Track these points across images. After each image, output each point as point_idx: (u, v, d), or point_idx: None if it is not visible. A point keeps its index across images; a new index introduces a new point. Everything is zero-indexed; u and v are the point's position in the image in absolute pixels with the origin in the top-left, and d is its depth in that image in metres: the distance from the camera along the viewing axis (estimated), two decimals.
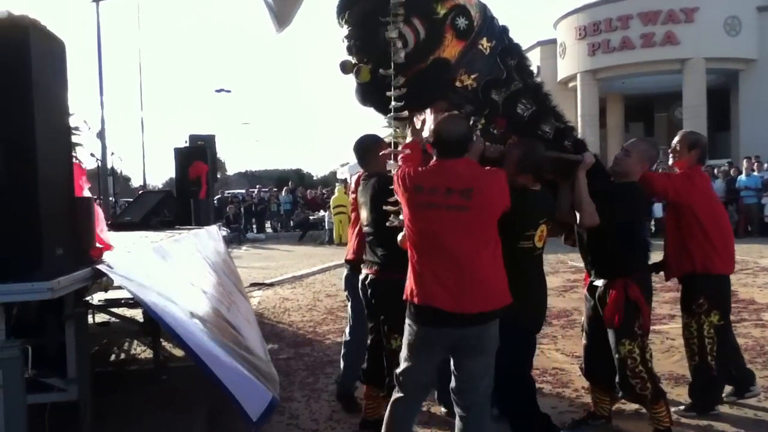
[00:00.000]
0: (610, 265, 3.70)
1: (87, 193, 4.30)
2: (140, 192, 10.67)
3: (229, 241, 18.19)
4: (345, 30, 3.52)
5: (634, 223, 3.78)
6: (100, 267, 3.38)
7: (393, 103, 3.41)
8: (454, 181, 3.00)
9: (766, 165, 17.17)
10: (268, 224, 25.04)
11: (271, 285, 10.68)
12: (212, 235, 7.10)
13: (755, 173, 16.28)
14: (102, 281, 4.35)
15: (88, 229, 3.53)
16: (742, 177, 16.21)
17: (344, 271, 4.72)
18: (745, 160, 17.15)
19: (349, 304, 4.64)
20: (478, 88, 3.56)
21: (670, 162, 4.34)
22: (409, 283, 3.09)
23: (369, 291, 3.84)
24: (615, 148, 31.16)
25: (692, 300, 4.12)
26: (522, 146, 3.47)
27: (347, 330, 4.69)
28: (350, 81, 3.60)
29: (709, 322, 4.05)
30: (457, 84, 3.53)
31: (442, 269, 3.00)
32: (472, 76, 3.53)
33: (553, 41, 32.65)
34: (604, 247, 3.69)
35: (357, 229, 4.29)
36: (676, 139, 4.32)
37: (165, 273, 4.37)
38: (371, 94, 3.55)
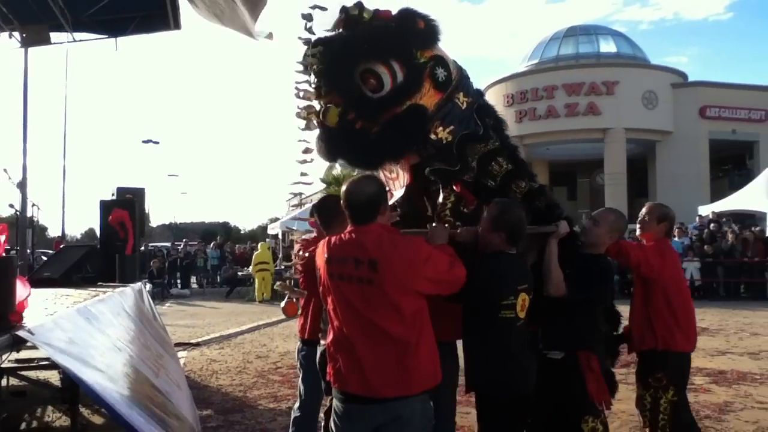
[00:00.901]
0: (571, 337, 3.54)
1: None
2: (61, 245, 10.17)
3: (153, 297, 17.60)
4: (313, 70, 3.31)
5: (598, 296, 3.64)
6: (20, 333, 3.12)
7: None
8: (362, 251, 2.76)
9: (689, 231, 17.89)
10: (193, 279, 24.32)
11: (198, 345, 10.24)
12: (138, 294, 6.77)
13: (676, 239, 16.96)
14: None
15: (8, 291, 3.26)
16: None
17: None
18: None
19: (301, 376, 4.33)
20: (453, 142, 3.37)
21: (638, 233, 4.29)
22: (329, 363, 2.91)
23: None
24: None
25: (650, 373, 4.03)
26: (500, 204, 3.28)
27: (297, 405, 4.34)
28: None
29: (666, 398, 3.96)
30: (432, 136, 3.33)
31: (353, 348, 2.78)
32: (448, 129, 3.34)
33: None
34: (568, 317, 3.52)
35: (312, 304, 3.96)
36: (645, 210, 4.24)
37: (89, 337, 4.09)
38: (339, 141, 3.30)
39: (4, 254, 3.78)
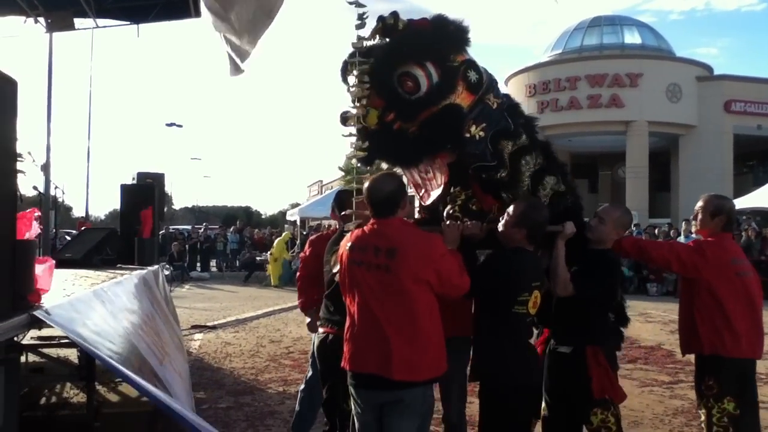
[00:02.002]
0: (580, 332, 3.60)
1: (35, 232, 4.16)
2: (82, 227, 10.40)
3: (172, 280, 17.93)
4: (356, 78, 3.47)
5: (606, 292, 3.68)
6: (37, 313, 3.28)
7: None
8: (383, 240, 2.99)
9: None
10: (213, 263, 24.64)
11: (213, 328, 10.45)
12: (154, 277, 6.95)
13: (693, 235, 16.83)
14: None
15: (27, 273, 3.42)
16: (681, 238, 16.73)
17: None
18: (684, 222, 17.74)
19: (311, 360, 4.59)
20: (487, 137, 3.53)
21: (693, 229, 4.14)
22: (345, 346, 3.09)
23: (332, 349, 3.68)
24: None
25: (701, 380, 3.72)
26: (526, 202, 3.44)
27: (302, 385, 4.66)
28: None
29: (719, 408, 3.59)
30: (467, 135, 3.50)
31: (368, 331, 2.97)
32: (480, 127, 3.51)
33: None
34: (577, 313, 3.58)
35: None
36: (699, 204, 3.91)
37: (102, 320, 4.25)
38: (380, 142, 3.45)
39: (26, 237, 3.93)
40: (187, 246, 22.28)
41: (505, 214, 3.40)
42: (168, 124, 39.28)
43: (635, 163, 29.52)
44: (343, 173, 22.48)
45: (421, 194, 3.90)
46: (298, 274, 4.89)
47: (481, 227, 3.46)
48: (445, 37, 3.48)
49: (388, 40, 3.51)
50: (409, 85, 3.40)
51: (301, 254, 4.36)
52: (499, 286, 3.20)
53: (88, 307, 4.19)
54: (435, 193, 3.80)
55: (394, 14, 3.49)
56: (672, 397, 6.29)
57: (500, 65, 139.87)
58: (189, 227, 29.35)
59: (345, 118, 3.49)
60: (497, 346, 3.25)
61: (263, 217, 71.26)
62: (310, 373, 4.60)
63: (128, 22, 9.19)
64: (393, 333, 2.91)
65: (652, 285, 16.21)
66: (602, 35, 32.08)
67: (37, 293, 3.63)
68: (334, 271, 3.54)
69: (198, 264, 23.16)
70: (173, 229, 28.32)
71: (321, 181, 48.12)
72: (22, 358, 5.45)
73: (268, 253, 19.78)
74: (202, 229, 26.07)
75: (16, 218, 3.31)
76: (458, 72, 3.46)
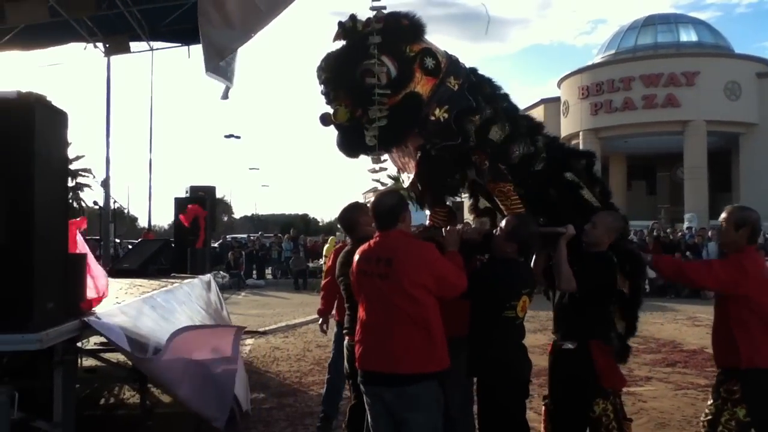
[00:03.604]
0: (583, 328, 3.83)
1: (83, 247, 4.58)
2: (140, 239, 10.99)
3: (229, 287, 18.55)
4: (321, 79, 3.79)
5: (603, 289, 3.87)
6: (88, 320, 3.67)
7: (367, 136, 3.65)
8: (383, 250, 3.29)
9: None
10: (268, 270, 25.23)
11: (264, 333, 10.87)
12: (205, 285, 7.37)
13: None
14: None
15: (79, 283, 3.81)
16: (711, 244, 16.29)
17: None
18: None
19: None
20: (451, 118, 3.77)
21: (718, 242, 4.20)
22: (356, 348, 3.42)
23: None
24: (618, 206, 31.54)
25: (723, 383, 3.66)
26: (517, 218, 3.76)
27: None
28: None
29: (732, 412, 3.56)
30: (431, 118, 3.75)
31: (376, 331, 3.27)
32: (443, 109, 3.75)
33: (557, 99, 33.34)
34: (579, 310, 3.83)
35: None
36: (723, 216, 3.82)
37: (152, 322, 4.63)
38: (353, 136, 3.74)
39: (78, 251, 4.35)
40: (243, 254, 22.91)
41: (498, 228, 3.70)
42: (227, 136, 40.50)
43: (693, 163, 28.91)
44: (393, 181, 22.76)
45: (404, 176, 4.21)
46: (323, 281, 5.20)
47: (480, 232, 3.80)
48: (398, 31, 3.73)
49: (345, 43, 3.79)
50: (370, 80, 3.67)
51: (327, 263, 4.65)
52: (490, 294, 3.49)
53: (138, 312, 4.60)
54: (412, 176, 4.05)
55: (352, 17, 3.76)
56: (705, 399, 6.25)
57: (559, 64, 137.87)
58: (246, 236, 30.16)
59: (324, 119, 3.77)
60: (490, 345, 3.54)
61: (321, 224, 72.23)
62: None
63: (180, 44, 9.72)
64: (397, 332, 3.20)
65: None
66: (656, 34, 31.59)
67: (89, 301, 4.03)
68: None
69: (254, 272, 23.77)
70: (231, 238, 29.15)
71: (376, 188, 48.54)
72: (87, 362, 5.96)
73: (322, 259, 20.14)
74: (256, 238, 26.72)
75: (68, 236, 3.70)
76: (414, 61, 3.71)
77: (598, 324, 3.88)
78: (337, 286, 4.33)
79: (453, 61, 3.92)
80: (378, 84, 3.61)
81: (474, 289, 3.44)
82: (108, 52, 9.44)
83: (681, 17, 33.68)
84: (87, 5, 7.80)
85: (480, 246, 3.78)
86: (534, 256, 4.02)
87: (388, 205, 3.38)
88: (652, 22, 32.46)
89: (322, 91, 3.81)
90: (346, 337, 4.17)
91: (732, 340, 3.61)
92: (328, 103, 3.81)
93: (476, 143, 3.89)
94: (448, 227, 3.75)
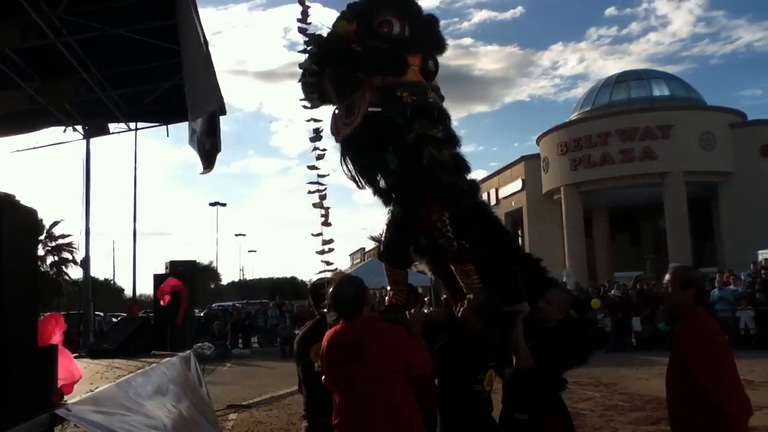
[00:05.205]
0: (535, 400, 3.91)
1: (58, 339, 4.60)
2: (123, 315, 10.96)
3: (215, 358, 18.34)
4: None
5: (556, 365, 4.02)
6: (59, 411, 3.69)
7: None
8: (351, 338, 3.30)
9: (742, 277, 17.47)
10: (255, 339, 24.93)
11: (248, 407, 10.76)
12: (185, 362, 7.36)
13: (731, 286, 16.65)
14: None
15: (51, 376, 3.84)
16: (716, 290, 16.51)
17: None
18: (718, 274, 17.55)
19: None
20: (410, 105, 4.02)
21: (666, 304, 4.20)
22: None
23: None
24: (602, 259, 31.74)
25: None
26: (483, 294, 3.87)
27: None
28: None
29: None
30: (398, 94, 4.02)
31: (350, 418, 3.29)
32: (412, 98, 4.03)
33: (537, 156, 33.90)
34: (529, 383, 3.88)
35: None
36: (667, 277, 3.77)
37: (126, 412, 4.62)
38: (337, 51, 4.04)
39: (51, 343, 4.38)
40: (229, 323, 22.72)
41: (466, 302, 3.79)
42: (212, 204, 40.73)
43: (674, 213, 29.31)
44: (375, 243, 22.90)
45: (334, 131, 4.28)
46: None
47: (441, 314, 3.90)
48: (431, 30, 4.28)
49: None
50: (384, 30, 4.05)
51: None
52: (460, 368, 3.57)
53: (112, 401, 4.60)
54: (345, 131, 4.15)
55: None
56: None
57: (541, 120, 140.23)
58: (232, 303, 29.97)
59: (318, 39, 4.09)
60: (459, 418, 3.60)
61: (309, 286, 71.84)
62: None
63: (159, 123, 9.95)
64: (374, 417, 3.23)
65: None
66: (630, 90, 32.40)
67: (60, 393, 4.05)
68: (317, 366, 3.87)
69: (240, 341, 23.48)
70: (217, 306, 28.94)
71: (363, 249, 48.88)
72: None
73: None
74: (241, 306, 26.55)
75: (38, 329, 3.75)
76: (424, 50, 4.19)
77: (549, 397, 3.97)
78: None
79: (436, 87, 4.36)
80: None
81: (442, 364, 3.52)
82: (87, 135, 9.64)
83: (652, 72, 34.65)
84: (65, 93, 8.03)
85: (443, 327, 3.87)
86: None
87: (350, 296, 3.41)
88: (624, 78, 33.38)
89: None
90: (305, 420, 4.18)
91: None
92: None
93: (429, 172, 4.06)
94: (413, 311, 3.87)
